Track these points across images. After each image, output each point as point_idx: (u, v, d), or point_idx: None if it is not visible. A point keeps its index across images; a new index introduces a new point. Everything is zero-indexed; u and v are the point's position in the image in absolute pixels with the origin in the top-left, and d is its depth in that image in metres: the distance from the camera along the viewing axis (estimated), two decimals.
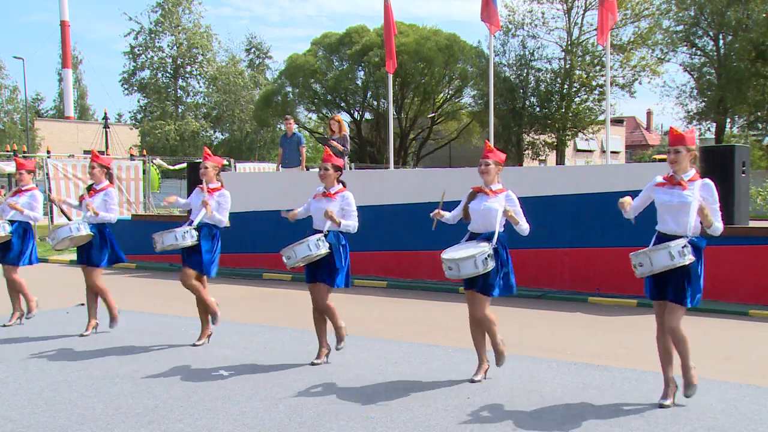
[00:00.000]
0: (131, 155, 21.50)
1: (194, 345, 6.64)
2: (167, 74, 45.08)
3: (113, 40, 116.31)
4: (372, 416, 4.61)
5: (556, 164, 33.57)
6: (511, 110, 32.83)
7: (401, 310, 9.06)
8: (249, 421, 4.56)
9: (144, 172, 20.56)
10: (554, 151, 35.18)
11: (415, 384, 5.29)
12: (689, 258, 4.50)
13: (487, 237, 5.22)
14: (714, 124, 31.87)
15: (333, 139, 12.48)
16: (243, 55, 49.86)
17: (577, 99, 32.83)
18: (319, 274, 5.83)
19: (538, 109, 33.34)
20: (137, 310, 8.62)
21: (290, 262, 5.71)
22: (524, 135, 34.40)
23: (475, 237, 5.34)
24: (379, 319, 8.39)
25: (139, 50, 44.06)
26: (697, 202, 4.55)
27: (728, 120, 32.00)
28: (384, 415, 4.64)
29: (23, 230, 7.57)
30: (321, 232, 5.75)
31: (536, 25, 32.52)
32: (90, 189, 7.16)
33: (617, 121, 50.17)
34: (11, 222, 7.48)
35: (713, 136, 32.23)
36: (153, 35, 43.79)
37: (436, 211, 5.47)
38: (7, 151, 24.91)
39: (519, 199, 5.36)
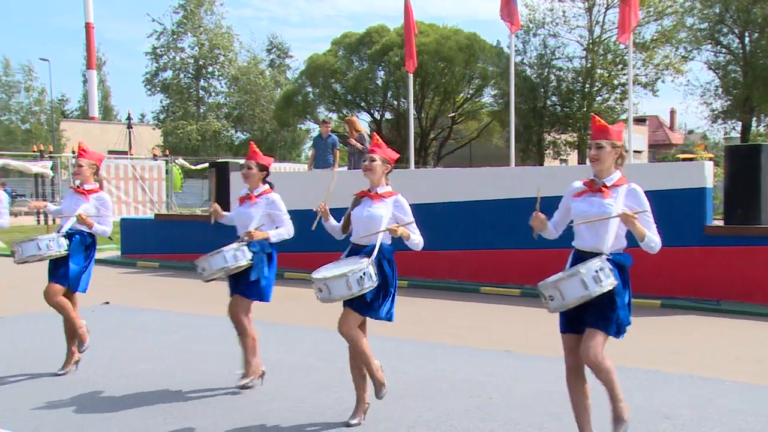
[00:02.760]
0: (154, 155, 21.75)
1: (56, 375, 5.58)
2: (189, 75, 45.57)
3: (136, 42, 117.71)
4: (375, 416, 4.59)
5: (578, 164, 33.30)
6: (531, 109, 32.68)
7: (401, 309, 9.00)
8: (269, 420, 4.56)
9: (166, 172, 20.81)
10: (576, 151, 34.93)
11: (418, 384, 5.25)
12: (609, 283, 3.53)
13: (370, 252, 4.31)
14: (740, 123, 31.42)
15: (352, 138, 12.52)
16: (264, 55, 50.24)
17: (598, 98, 32.58)
18: (239, 286, 5.09)
19: (559, 108, 33.15)
20: (157, 308, 8.68)
21: (205, 275, 4.95)
22: (545, 134, 34.23)
23: (358, 250, 4.45)
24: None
25: (161, 51, 44.61)
26: (620, 212, 3.60)
27: (754, 119, 31.55)
28: (384, 416, 4.61)
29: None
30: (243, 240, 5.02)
31: (557, 24, 32.42)
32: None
33: (640, 120, 49.60)
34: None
35: (739, 135, 31.79)
36: (175, 36, 44.28)
37: (322, 204, 4.53)
38: (34, 152, 25.31)
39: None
